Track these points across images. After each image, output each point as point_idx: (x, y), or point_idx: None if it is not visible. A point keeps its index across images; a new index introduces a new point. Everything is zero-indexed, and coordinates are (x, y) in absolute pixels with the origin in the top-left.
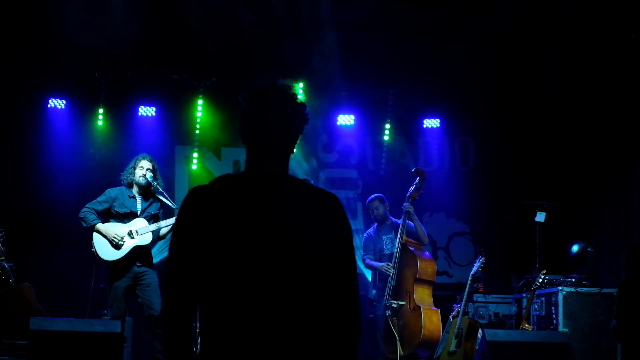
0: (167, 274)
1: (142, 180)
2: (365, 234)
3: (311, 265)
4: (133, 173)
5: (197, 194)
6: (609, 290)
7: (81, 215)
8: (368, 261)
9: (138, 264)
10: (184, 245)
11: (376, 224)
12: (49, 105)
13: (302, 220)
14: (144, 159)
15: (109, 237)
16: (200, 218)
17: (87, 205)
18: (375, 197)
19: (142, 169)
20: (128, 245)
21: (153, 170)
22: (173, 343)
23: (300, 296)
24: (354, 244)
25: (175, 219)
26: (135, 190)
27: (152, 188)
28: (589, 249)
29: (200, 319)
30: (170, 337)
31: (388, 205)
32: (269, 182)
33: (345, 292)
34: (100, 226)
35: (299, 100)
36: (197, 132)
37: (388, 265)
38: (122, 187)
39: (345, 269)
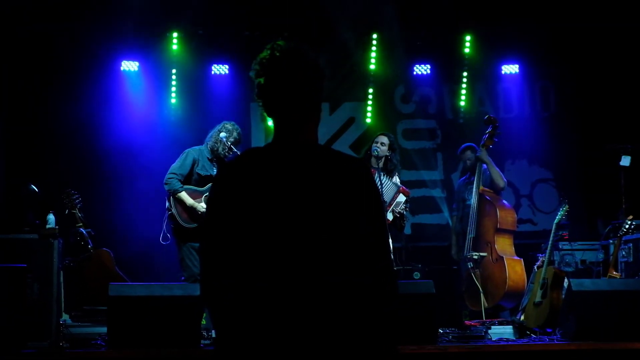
0: (201, 253)
1: (227, 153)
2: (456, 185)
3: (341, 239)
4: (222, 145)
5: (226, 169)
6: None
7: (167, 181)
8: (454, 219)
9: None
10: (216, 220)
11: (468, 173)
12: (121, 68)
13: (330, 192)
14: (235, 132)
15: (193, 207)
16: (230, 193)
17: (172, 171)
18: (467, 146)
19: (221, 135)
20: (202, 210)
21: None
22: (214, 317)
23: (331, 273)
24: (443, 195)
25: (208, 196)
26: (212, 154)
27: None
28: None
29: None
30: (211, 312)
31: None
32: (296, 153)
33: (378, 266)
34: (184, 195)
35: (308, 57)
36: None
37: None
38: (201, 148)
39: (376, 240)
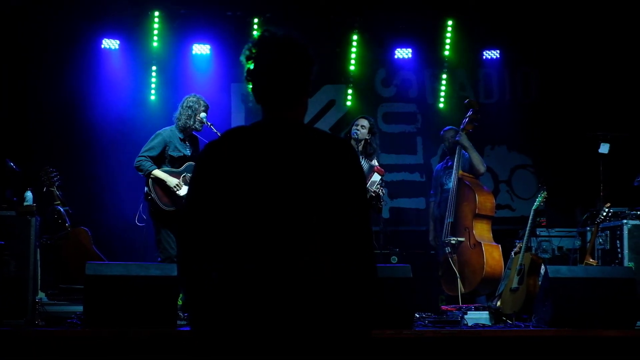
0: (181, 230)
1: (199, 127)
2: (434, 171)
3: (329, 222)
4: (193, 119)
5: (211, 148)
6: None
7: (136, 164)
8: (431, 205)
9: None
10: (199, 201)
11: (447, 158)
12: (102, 47)
13: (315, 170)
14: (201, 102)
15: (171, 184)
16: (214, 173)
17: (141, 154)
18: (451, 128)
19: (201, 116)
20: (183, 193)
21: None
22: (191, 299)
23: (314, 249)
24: (422, 179)
25: (191, 175)
26: (183, 133)
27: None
28: None
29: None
30: (189, 294)
31: None
32: (283, 132)
33: (362, 252)
34: (158, 172)
35: (298, 44)
36: None
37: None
38: (173, 128)
39: (360, 224)
